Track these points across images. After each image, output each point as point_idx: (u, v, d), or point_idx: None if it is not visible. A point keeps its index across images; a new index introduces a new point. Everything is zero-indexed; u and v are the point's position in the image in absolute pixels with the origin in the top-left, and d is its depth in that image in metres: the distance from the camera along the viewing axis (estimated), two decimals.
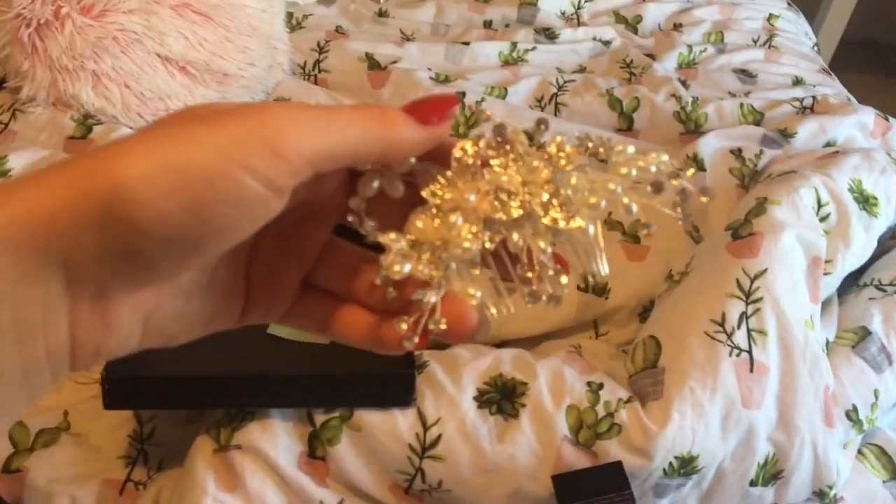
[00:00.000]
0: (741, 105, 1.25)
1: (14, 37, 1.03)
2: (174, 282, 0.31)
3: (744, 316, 0.77)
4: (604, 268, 0.33)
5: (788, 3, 1.70)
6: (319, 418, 0.74)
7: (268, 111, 0.28)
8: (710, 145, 1.12)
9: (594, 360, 0.83)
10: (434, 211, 0.32)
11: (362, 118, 0.30)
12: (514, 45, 1.41)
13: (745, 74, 1.41)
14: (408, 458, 0.73)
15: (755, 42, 1.52)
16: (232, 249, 0.29)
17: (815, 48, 1.65)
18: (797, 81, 1.40)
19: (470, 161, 0.32)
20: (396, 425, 0.73)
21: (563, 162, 0.32)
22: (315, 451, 0.74)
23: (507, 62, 1.40)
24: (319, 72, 1.31)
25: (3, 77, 1.12)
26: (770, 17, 1.60)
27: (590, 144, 0.33)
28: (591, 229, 0.32)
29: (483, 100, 1.23)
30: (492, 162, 0.32)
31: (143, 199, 0.25)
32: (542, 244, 0.32)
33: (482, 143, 0.33)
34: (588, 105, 1.28)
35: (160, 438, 0.79)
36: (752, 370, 0.75)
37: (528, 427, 0.73)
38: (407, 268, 0.31)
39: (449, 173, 0.33)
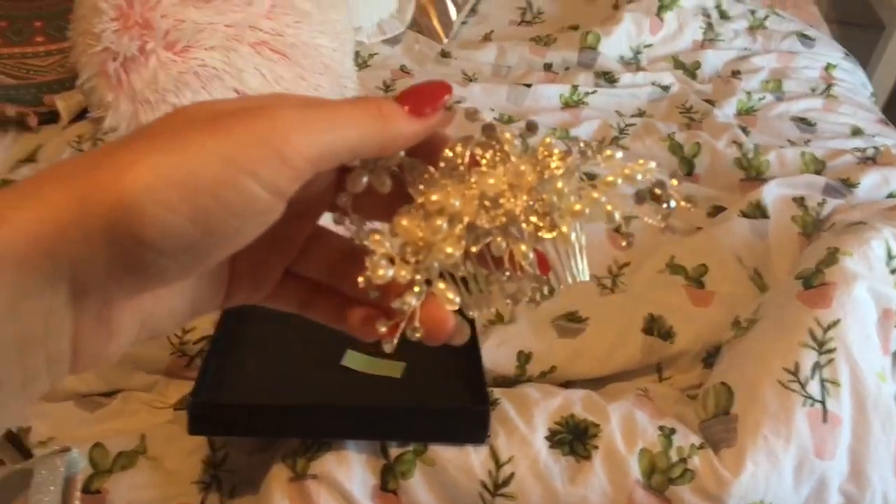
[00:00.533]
0: (803, 153, 1.26)
1: (101, 69, 1.07)
2: (174, 286, 0.31)
3: (817, 366, 0.78)
4: (582, 274, 0.33)
5: (846, 54, 1.70)
6: (394, 451, 0.75)
7: (272, 113, 0.27)
8: (772, 193, 1.12)
9: (661, 404, 0.84)
10: (419, 211, 0.32)
11: (361, 115, 0.29)
12: (575, 87, 1.44)
13: (804, 123, 1.41)
14: (479, 495, 0.74)
15: (813, 91, 1.53)
16: None
17: (873, 98, 1.65)
18: (856, 131, 1.40)
19: (458, 161, 0.32)
20: (469, 462, 0.74)
21: (552, 166, 0.32)
22: (387, 485, 0.75)
23: (567, 104, 1.42)
24: None
25: (87, 107, 1.16)
26: (828, 66, 1.61)
27: (578, 149, 0.32)
28: (573, 236, 0.32)
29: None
30: (480, 163, 0.32)
31: (150, 214, 0.25)
32: (523, 248, 0.32)
33: (471, 145, 0.33)
34: (649, 149, 1.29)
35: (232, 465, 0.81)
36: (825, 420, 0.75)
37: (601, 469, 0.74)
38: (390, 272, 0.31)
39: (436, 172, 0.33)
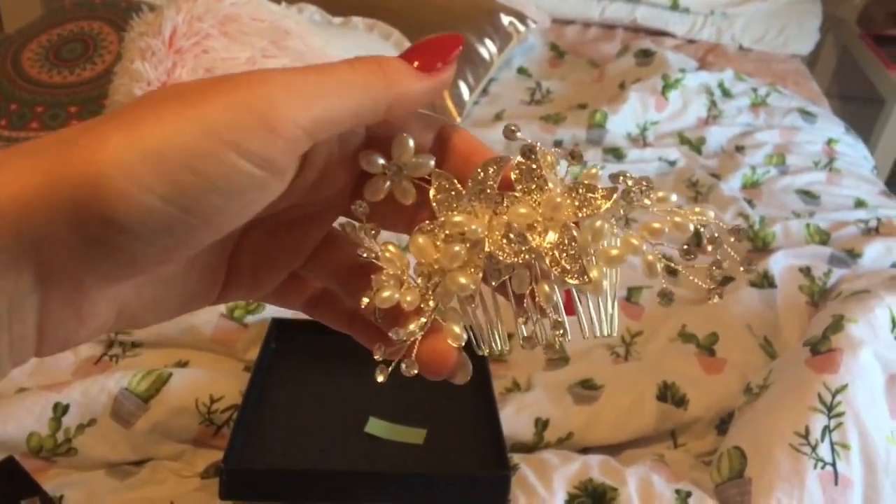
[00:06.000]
0: (808, 225, 1.30)
1: None
2: (155, 273, 0.28)
3: (827, 429, 0.80)
4: (612, 328, 0.30)
5: (847, 128, 1.76)
6: None
7: (257, 79, 0.24)
8: (779, 263, 1.16)
9: (677, 470, 0.86)
10: (438, 231, 0.29)
11: (361, 75, 0.26)
12: (585, 163, 1.49)
13: (808, 195, 1.46)
14: None
15: (816, 164, 1.57)
16: None
17: (874, 171, 1.70)
18: (859, 203, 1.45)
19: (490, 182, 0.29)
20: None
21: (596, 202, 0.29)
22: None
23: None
24: None
25: None
26: (830, 140, 1.66)
27: (625, 185, 0.29)
28: (605, 285, 0.29)
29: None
30: (515, 187, 0.29)
31: (119, 190, 0.22)
32: (546, 289, 0.29)
33: (507, 165, 0.29)
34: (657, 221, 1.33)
35: None
36: (836, 483, 0.77)
37: None
38: (395, 296, 0.28)
39: (465, 190, 0.30)
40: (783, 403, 0.85)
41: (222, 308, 1.03)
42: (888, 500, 0.78)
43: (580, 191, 0.29)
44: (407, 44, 1.64)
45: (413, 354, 0.29)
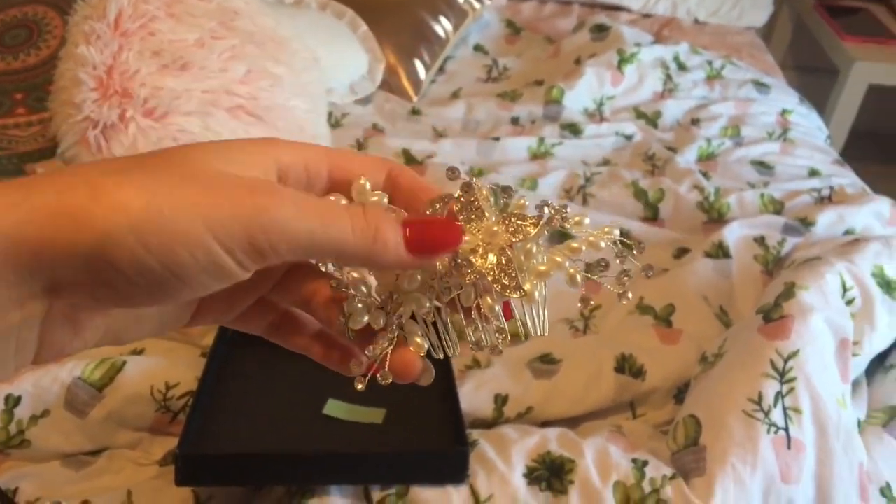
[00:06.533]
0: (762, 195, 1.31)
1: (81, 138, 1.11)
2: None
3: (779, 395, 0.81)
4: (543, 328, 0.35)
5: (801, 99, 1.77)
6: (376, 495, 0.77)
7: (267, 197, 0.29)
8: (734, 234, 1.17)
9: (635, 440, 0.87)
10: None
11: (354, 231, 0.31)
12: (542, 139, 1.49)
13: (762, 166, 1.47)
14: None
15: (770, 135, 1.59)
16: None
17: (828, 141, 1.72)
18: (813, 172, 1.46)
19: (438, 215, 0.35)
20: (450, 501, 0.76)
21: (525, 228, 0.34)
22: None
23: (535, 156, 1.47)
24: None
25: None
26: (784, 111, 1.67)
27: (547, 213, 0.35)
28: (537, 295, 0.34)
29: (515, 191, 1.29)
30: (458, 218, 0.34)
31: (132, 253, 0.27)
32: (490, 301, 0.34)
33: (451, 202, 0.35)
34: (615, 196, 1.34)
35: None
36: (789, 447, 0.78)
37: (578, 503, 0.76)
38: (366, 318, 0.34)
39: None
40: (736, 371, 0.86)
41: None
42: (839, 462, 0.79)
43: (512, 219, 0.34)
44: (362, 25, 1.63)
45: (386, 366, 0.35)
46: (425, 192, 0.35)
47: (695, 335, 1.03)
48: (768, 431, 0.79)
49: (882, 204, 1.27)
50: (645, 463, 0.79)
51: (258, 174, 0.31)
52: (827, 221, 1.23)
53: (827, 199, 1.32)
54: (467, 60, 1.86)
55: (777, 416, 0.80)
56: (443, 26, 1.75)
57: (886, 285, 0.97)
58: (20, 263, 0.27)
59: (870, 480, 0.82)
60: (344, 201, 0.34)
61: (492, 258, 0.34)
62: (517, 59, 1.86)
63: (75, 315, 0.30)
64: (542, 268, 0.35)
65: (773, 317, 0.89)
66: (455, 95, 1.71)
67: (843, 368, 0.86)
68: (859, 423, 0.88)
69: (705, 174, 1.40)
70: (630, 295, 0.36)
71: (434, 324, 0.35)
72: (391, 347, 0.34)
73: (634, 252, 0.36)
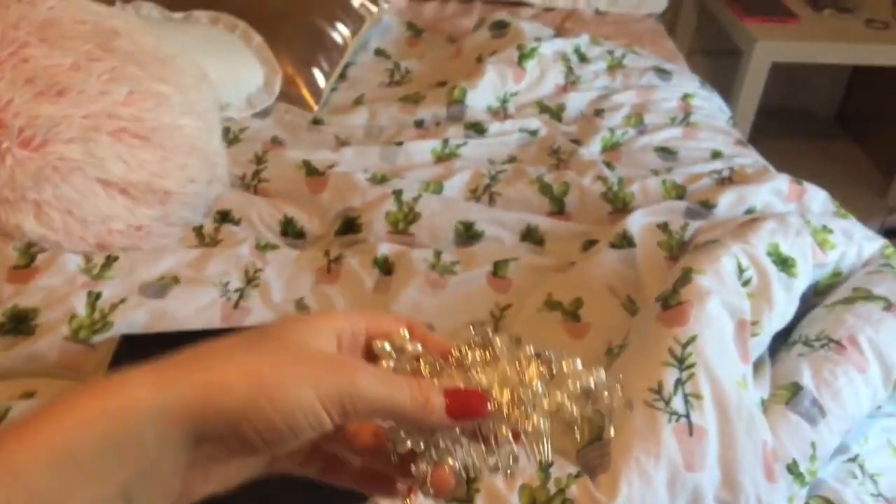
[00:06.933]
0: (664, 181, 1.32)
1: None
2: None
3: (679, 382, 0.81)
4: (546, 455, 0.43)
5: (702, 82, 1.79)
6: None
7: (352, 369, 0.39)
8: (637, 222, 1.17)
9: None
10: None
11: (412, 399, 0.40)
12: (446, 141, 1.47)
13: (665, 152, 1.48)
14: None
15: (673, 121, 1.60)
16: None
17: (731, 121, 1.74)
18: (715, 154, 1.48)
19: (464, 358, 0.44)
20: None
21: (530, 369, 0.43)
22: None
23: (440, 158, 1.45)
24: (259, 182, 1.34)
25: None
26: (685, 96, 1.69)
27: (546, 357, 0.43)
28: (542, 426, 0.42)
29: (420, 196, 1.27)
30: (476, 360, 0.44)
31: (265, 412, 0.36)
32: (504, 430, 0.42)
33: (471, 347, 0.44)
34: (521, 192, 1.33)
35: None
36: (691, 434, 0.78)
37: None
38: (408, 444, 0.42)
39: (446, 364, 0.44)
40: (637, 361, 0.85)
41: (65, 330, 0.98)
42: (743, 444, 0.79)
43: (519, 363, 0.43)
44: (255, 36, 1.60)
45: (429, 482, 0.43)
46: (431, 341, 0.45)
47: (602, 327, 1.02)
48: (669, 420, 0.78)
49: (781, 181, 1.28)
50: (550, 464, 0.78)
51: (328, 341, 0.41)
52: (728, 202, 1.24)
53: (727, 179, 1.34)
54: (368, 65, 1.84)
55: (678, 403, 0.80)
56: (340, 32, 1.72)
57: (782, 263, 0.98)
58: (185, 426, 0.36)
59: (776, 459, 0.82)
60: (388, 345, 0.44)
61: (507, 395, 0.42)
62: (419, 61, 1.85)
63: (207, 465, 0.38)
64: (545, 403, 0.42)
65: (671, 303, 0.89)
66: (358, 102, 1.68)
67: (742, 350, 0.86)
68: (763, 402, 0.88)
69: (609, 164, 1.40)
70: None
71: (460, 451, 0.44)
72: (430, 468, 0.43)
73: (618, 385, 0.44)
